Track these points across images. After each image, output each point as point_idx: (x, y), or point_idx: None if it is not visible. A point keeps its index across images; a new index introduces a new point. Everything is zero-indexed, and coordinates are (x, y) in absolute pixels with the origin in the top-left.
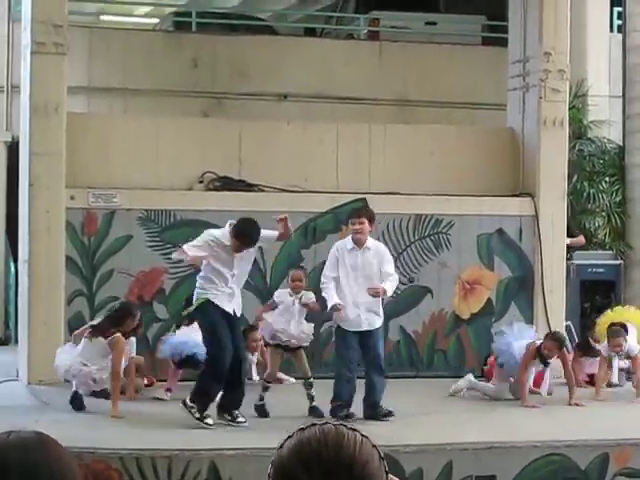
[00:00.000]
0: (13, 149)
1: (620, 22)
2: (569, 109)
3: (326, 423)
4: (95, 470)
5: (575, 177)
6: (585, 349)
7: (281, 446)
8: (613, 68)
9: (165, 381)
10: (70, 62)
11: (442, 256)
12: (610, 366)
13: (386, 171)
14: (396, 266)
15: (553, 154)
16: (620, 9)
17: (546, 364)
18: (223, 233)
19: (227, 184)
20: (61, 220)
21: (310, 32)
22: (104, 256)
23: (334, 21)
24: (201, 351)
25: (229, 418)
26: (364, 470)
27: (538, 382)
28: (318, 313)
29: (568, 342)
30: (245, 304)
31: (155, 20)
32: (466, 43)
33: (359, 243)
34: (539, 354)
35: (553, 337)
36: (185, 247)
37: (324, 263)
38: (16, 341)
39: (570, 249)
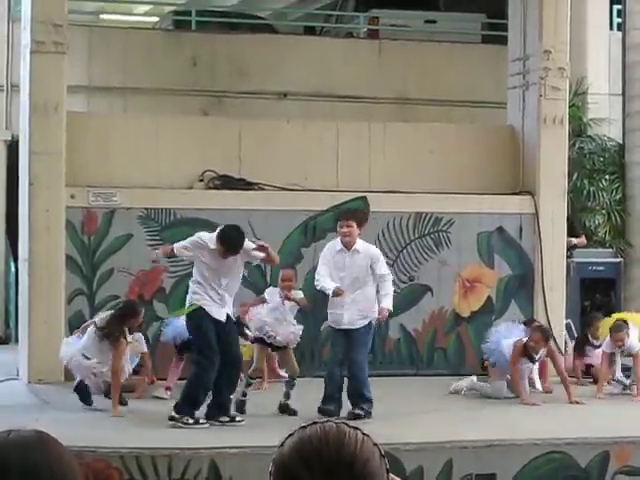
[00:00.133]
0: (13, 148)
1: (620, 20)
2: (569, 107)
3: (327, 421)
4: (95, 469)
5: (575, 175)
6: (584, 345)
7: (282, 444)
8: (613, 66)
9: (165, 380)
10: (70, 61)
11: (442, 254)
12: (613, 361)
13: (386, 169)
14: (396, 264)
15: (553, 152)
16: (620, 7)
17: (533, 360)
18: (211, 237)
19: (227, 183)
20: (61, 219)
21: (310, 30)
22: (104, 255)
23: (334, 19)
24: None
25: (227, 419)
26: (365, 468)
27: (543, 374)
28: (308, 309)
29: (569, 336)
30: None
31: (155, 19)
32: (466, 41)
33: (348, 246)
34: (526, 351)
35: (538, 329)
36: (175, 246)
37: None
38: (16, 340)
39: (571, 247)
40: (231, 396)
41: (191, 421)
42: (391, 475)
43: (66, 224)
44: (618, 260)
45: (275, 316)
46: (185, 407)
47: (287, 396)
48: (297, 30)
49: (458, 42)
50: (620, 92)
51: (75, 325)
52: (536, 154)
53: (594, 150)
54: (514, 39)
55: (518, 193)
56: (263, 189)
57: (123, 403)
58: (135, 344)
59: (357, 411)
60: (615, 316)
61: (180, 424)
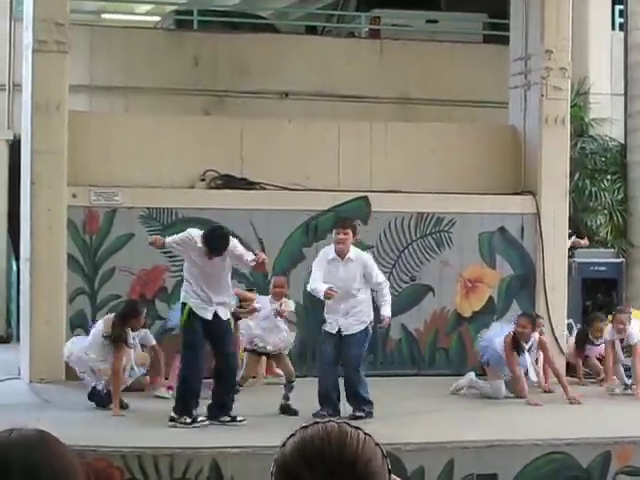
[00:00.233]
0: (15, 147)
1: (622, 20)
2: (571, 107)
3: (329, 421)
4: (97, 468)
5: (577, 175)
6: (584, 344)
7: (284, 444)
8: (615, 66)
9: (166, 379)
10: (72, 60)
11: (444, 254)
12: (613, 347)
13: (387, 169)
14: (398, 264)
15: (555, 152)
16: (622, 7)
17: (523, 350)
18: (199, 235)
19: (229, 182)
20: (63, 218)
21: (311, 30)
22: (106, 254)
23: (335, 19)
24: None
25: (228, 419)
26: (367, 468)
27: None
28: (292, 324)
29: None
30: None
31: (156, 18)
32: (467, 41)
33: (341, 254)
34: (516, 342)
35: (523, 315)
36: (167, 239)
37: None
38: (18, 339)
39: (575, 248)
40: (232, 395)
41: (189, 420)
42: (392, 476)
43: (68, 223)
44: (620, 260)
45: (265, 325)
46: (179, 406)
47: (287, 398)
48: (299, 30)
49: (460, 42)
50: (622, 92)
51: (76, 324)
52: (538, 154)
53: (596, 150)
54: (516, 39)
55: (520, 193)
56: (265, 189)
57: (124, 406)
58: (143, 355)
59: (358, 413)
60: None
61: (179, 424)
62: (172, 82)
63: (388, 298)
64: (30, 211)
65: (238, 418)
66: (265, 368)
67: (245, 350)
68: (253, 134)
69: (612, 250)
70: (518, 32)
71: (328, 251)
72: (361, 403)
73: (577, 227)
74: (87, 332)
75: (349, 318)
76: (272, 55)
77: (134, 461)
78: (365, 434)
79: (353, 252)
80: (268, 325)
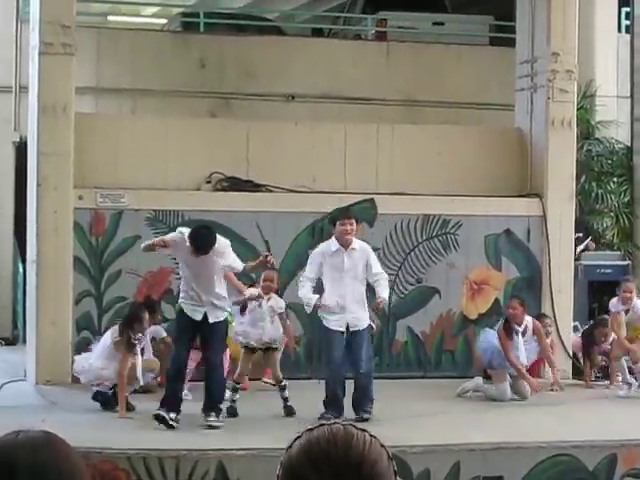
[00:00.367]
0: (21, 149)
1: (628, 23)
2: (577, 109)
3: (335, 423)
4: (102, 470)
5: (583, 177)
6: (591, 346)
7: (290, 446)
8: (621, 69)
9: None
10: (78, 62)
11: (450, 256)
12: (618, 320)
13: (394, 171)
14: (404, 266)
15: (561, 154)
16: (628, 10)
17: (517, 333)
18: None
19: (235, 184)
20: (69, 220)
21: (317, 32)
22: (112, 256)
23: (342, 21)
24: None
25: (212, 419)
26: (373, 470)
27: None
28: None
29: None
30: None
31: (163, 20)
32: (473, 43)
33: (346, 244)
34: (508, 327)
35: (512, 298)
36: (156, 240)
37: None
38: (24, 341)
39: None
40: (221, 397)
41: (172, 415)
42: (398, 478)
43: (74, 225)
44: (626, 263)
45: (248, 320)
46: (164, 401)
47: (285, 399)
48: (305, 32)
49: (466, 44)
50: (628, 95)
51: (82, 326)
52: (544, 156)
53: (602, 153)
54: (522, 41)
55: (526, 195)
56: (271, 191)
57: (130, 409)
58: (152, 360)
59: (365, 415)
60: None
61: (163, 420)
62: (178, 84)
63: (387, 285)
64: (36, 213)
65: (209, 419)
66: (263, 369)
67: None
68: (259, 136)
69: (618, 253)
70: (524, 35)
71: (329, 244)
72: (368, 404)
73: (587, 230)
74: (93, 334)
75: (357, 312)
76: (278, 57)
77: (140, 463)
78: (371, 436)
79: (356, 242)
80: (256, 319)
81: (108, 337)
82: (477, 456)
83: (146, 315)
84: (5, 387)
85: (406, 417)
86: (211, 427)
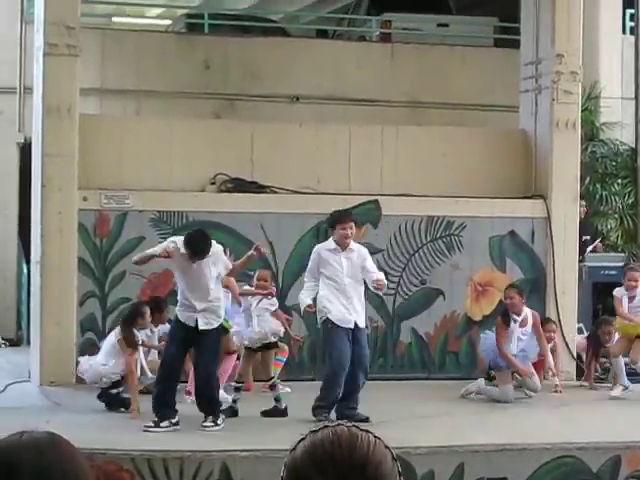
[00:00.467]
0: (26, 150)
1: (633, 24)
2: (581, 111)
3: (339, 424)
4: (107, 471)
5: (587, 179)
6: (597, 348)
7: (294, 448)
8: (625, 70)
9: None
10: (83, 64)
11: (454, 258)
12: (621, 304)
13: (398, 173)
14: (408, 268)
15: (565, 156)
16: (633, 11)
17: (514, 320)
18: (181, 241)
19: (239, 186)
20: (73, 221)
21: (322, 34)
22: (116, 257)
23: (346, 23)
24: (229, 316)
25: (204, 420)
26: (377, 471)
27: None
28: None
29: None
30: None
31: (167, 22)
32: (478, 45)
33: (345, 246)
34: (506, 317)
35: (509, 286)
36: (148, 251)
37: None
38: (28, 342)
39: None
40: (214, 405)
41: (157, 420)
42: (402, 479)
43: (78, 226)
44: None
45: (247, 320)
46: (153, 407)
47: (277, 400)
48: (309, 33)
49: (470, 46)
50: (633, 96)
51: (87, 327)
52: (548, 158)
53: (606, 154)
54: (527, 43)
55: (530, 197)
56: (275, 192)
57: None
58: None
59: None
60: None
61: (155, 425)
62: (183, 86)
63: (382, 275)
64: (41, 214)
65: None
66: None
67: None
68: (264, 138)
69: (622, 254)
70: (529, 36)
71: (327, 245)
72: (357, 401)
73: (596, 232)
74: (97, 335)
75: (357, 310)
76: (283, 59)
77: (144, 464)
78: (375, 437)
79: (353, 244)
80: (249, 319)
81: (112, 336)
82: (481, 457)
83: (148, 311)
84: (9, 388)
85: (410, 418)
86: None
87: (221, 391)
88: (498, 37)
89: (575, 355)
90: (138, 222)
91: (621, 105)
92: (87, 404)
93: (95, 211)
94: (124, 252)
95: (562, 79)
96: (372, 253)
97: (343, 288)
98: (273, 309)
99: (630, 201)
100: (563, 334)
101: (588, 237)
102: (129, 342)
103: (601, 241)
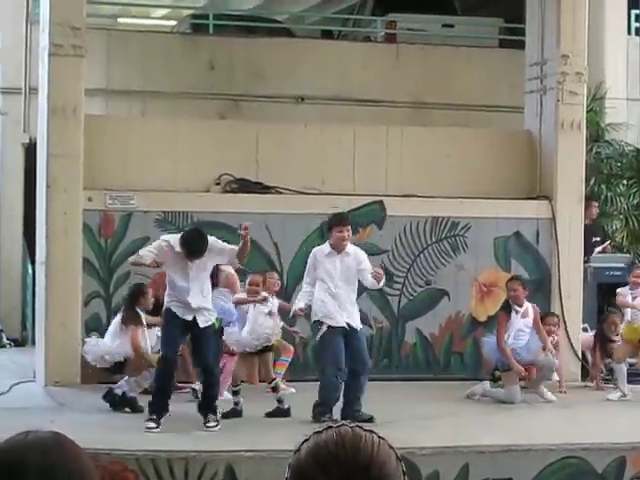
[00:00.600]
0: (31, 150)
1: (638, 25)
2: (587, 112)
3: (342, 425)
4: (111, 471)
5: (592, 180)
6: (605, 343)
7: (298, 449)
8: (631, 70)
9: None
10: (88, 64)
11: (459, 259)
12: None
13: (403, 173)
14: (413, 268)
15: (570, 157)
16: (638, 12)
17: (516, 312)
18: (175, 239)
19: (244, 186)
20: (78, 222)
21: (327, 34)
22: (121, 258)
23: (351, 23)
24: (228, 317)
25: (213, 425)
26: (382, 471)
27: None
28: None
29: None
30: None
31: (173, 22)
32: (483, 45)
33: (341, 248)
34: (508, 308)
35: (512, 278)
36: (141, 251)
37: None
38: (33, 342)
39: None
40: (215, 398)
41: (147, 417)
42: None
43: (83, 227)
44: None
45: (242, 324)
46: (151, 404)
47: (280, 401)
48: (314, 34)
49: (475, 46)
50: (638, 97)
51: (92, 327)
52: (553, 159)
53: (611, 155)
54: (532, 43)
55: (535, 198)
56: (280, 193)
57: (138, 410)
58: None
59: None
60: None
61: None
62: (188, 86)
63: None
64: (46, 214)
65: (208, 424)
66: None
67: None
68: (269, 138)
69: (628, 255)
70: (534, 37)
71: (322, 249)
72: (360, 403)
73: (605, 233)
74: (102, 335)
75: (352, 312)
76: (288, 59)
77: (149, 464)
78: (379, 437)
79: (349, 247)
80: (244, 324)
81: (118, 317)
82: (486, 458)
83: (150, 291)
84: (14, 388)
85: (415, 419)
86: (209, 429)
87: (225, 392)
88: (503, 38)
89: (580, 356)
90: (143, 222)
91: (626, 106)
92: (92, 404)
93: (100, 211)
94: (129, 252)
95: (567, 80)
96: (377, 254)
97: (336, 291)
98: (267, 311)
99: (635, 202)
100: (568, 335)
101: (598, 238)
102: (133, 318)
103: (610, 243)
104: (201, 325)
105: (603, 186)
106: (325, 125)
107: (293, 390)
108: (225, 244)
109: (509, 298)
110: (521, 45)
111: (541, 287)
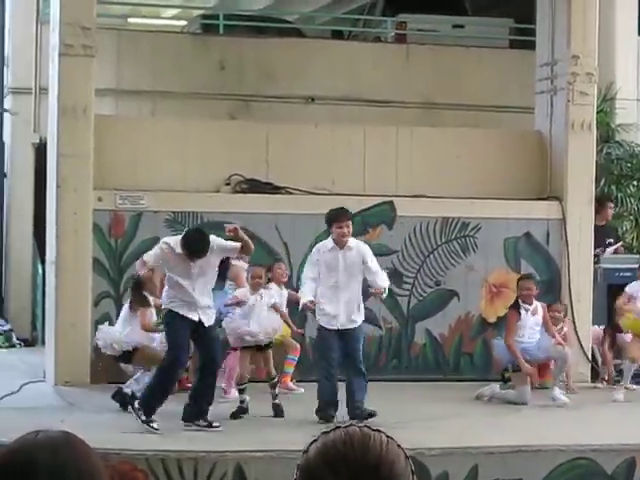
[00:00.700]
0: (41, 150)
1: None
2: (597, 112)
3: (350, 425)
4: (121, 471)
5: (603, 181)
6: (615, 332)
7: (306, 450)
8: None
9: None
10: (98, 64)
11: (469, 259)
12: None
13: (413, 174)
14: (423, 269)
15: (581, 157)
16: None
17: (525, 310)
18: (176, 241)
19: (254, 186)
20: (88, 222)
21: (337, 35)
22: (131, 258)
23: (361, 24)
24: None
25: (204, 424)
26: (391, 471)
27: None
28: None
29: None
30: None
31: (183, 22)
32: (493, 46)
33: (343, 244)
34: (518, 306)
35: (523, 277)
36: (145, 257)
37: None
38: (43, 342)
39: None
40: (210, 401)
41: (143, 418)
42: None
43: (93, 227)
44: None
45: (248, 318)
46: (144, 402)
47: (274, 397)
48: (325, 34)
49: (486, 47)
50: None
51: None
52: (564, 159)
53: (622, 156)
54: (542, 44)
55: (545, 198)
56: (290, 193)
57: None
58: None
59: (370, 409)
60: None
61: (134, 415)
62: (198, 86)
63: (386, 278)
64: (56, 214)
65: (214, 424)
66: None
67: (235, 349)
68: (279, 138)
69: (638, 256)
70: (544, 37)
71: (326, 244)
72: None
73: (618, 235)
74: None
75: (350, 310)
76: (298, 59)
77: (158, 464)
78: (387, 437)
79: (352, 241)
80: (250, 317)
81: (126, 304)
82: (496, 459)
83: (156, 275)
84: (24, 388)
85: (424, 419)
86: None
87: (232, 389)
88: (514, 38)
89: (590, 356)
90: (153, 223)
91: (637, 106)
92: (102, 404)
93: (110, 211)
94: (139, 253)
95: (578, 80)
96: (387, 254)
97: (338, 286)
98: (273, 301)
99: None
100: (578, 335)
101: (611, 240)
102: (140, 302)
103: (623, 244)
104: (206, 324)
105: (613, 187)
106: (335, 125)
107: (302, 390)
108: (227, 242)
109: (520, 297)
110: (532, 45)
111: (551, 288)
